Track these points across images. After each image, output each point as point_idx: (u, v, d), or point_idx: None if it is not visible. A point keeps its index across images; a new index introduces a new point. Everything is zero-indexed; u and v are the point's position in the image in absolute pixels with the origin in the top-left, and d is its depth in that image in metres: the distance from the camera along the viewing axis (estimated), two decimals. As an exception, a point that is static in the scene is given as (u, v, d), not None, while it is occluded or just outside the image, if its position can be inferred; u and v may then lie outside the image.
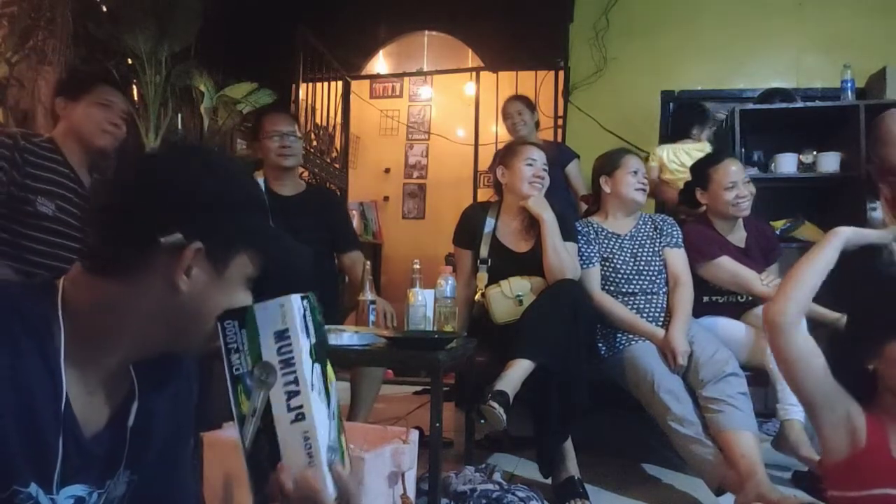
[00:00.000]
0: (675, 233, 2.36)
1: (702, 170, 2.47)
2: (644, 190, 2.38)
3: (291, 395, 0.67)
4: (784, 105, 3.24)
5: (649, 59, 4.00)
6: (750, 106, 3.31)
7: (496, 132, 4.77)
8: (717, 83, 3.87)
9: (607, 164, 2.41)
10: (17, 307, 0.66)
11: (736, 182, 2.35)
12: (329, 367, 0.72)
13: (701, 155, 2.91)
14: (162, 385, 0.80)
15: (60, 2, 3.38)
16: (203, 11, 3.66)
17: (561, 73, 4.21)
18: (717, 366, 2.00)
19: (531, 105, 3.47)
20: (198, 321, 0.72)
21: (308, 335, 0.69)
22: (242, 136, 4.08)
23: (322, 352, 0.70)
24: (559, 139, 4.11)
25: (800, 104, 3.24)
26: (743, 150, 3.22)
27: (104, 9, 3.70)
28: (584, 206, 2.70)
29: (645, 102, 3.93)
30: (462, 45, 4.88)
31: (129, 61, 3.63)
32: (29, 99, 3.25)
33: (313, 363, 0.69)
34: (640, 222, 2.40)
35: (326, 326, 1.92)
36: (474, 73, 4.96)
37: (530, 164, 2.27)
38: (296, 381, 0.67)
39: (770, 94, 3.39)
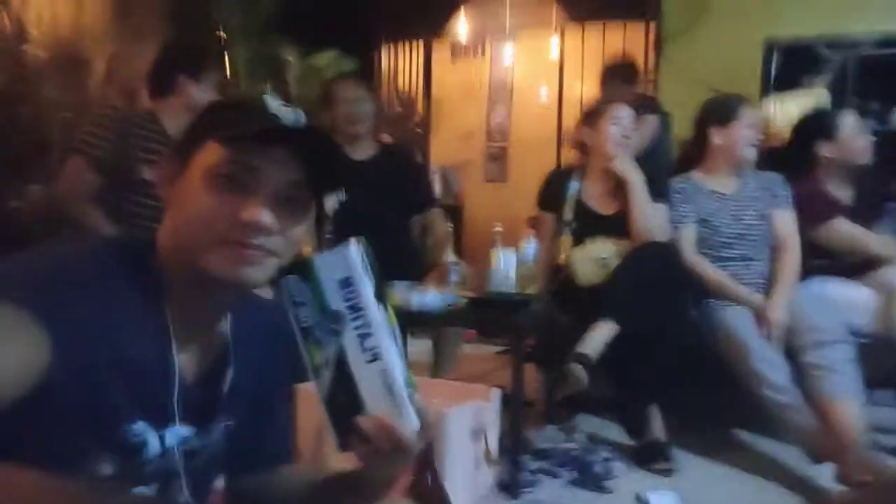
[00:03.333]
0: (784, 193, 2.18)
1: (823, 120, 2.27)
2: (757, 147, 2.19)
3: (364, 336, 0.68)
4: (890, 51, 2.91)
5: (752, 4, 3.70)
6: (868, 51, 3.00)
7: (581, 91, 4.60)
8: (831, 27, 3.53)
9: (721, 113, 2.19)
10: (120, 259, 0.70)
11: (861, 129, 2.20)
12: (390, 310, 0.72)
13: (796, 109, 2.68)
14: (256, 348, 0.82)
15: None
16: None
17: (652, 25, 3.97)
18: (822, 331, 1.88)
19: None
20: (186, 230, 0.70)
21: (370, 279, 0.69)
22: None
23: (382, 292, 0.71)
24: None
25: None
26: (858, 100, 2.94)
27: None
28: None
29: (747, 53, 3.66)
30: (546, 1, 4.70)
31: (221, 34, 3.77)
32: (132, 74, 3.46)
33: (378, 305, 0.69)
34: (746, 180, 2.22)
35: (409, 285, 1.97)
36: (559, 29, 4.79)
37: (616, 124, 2.18)
38: (367, 324, 0.68)
39: (891, 39, 3.05)
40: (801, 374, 1.85)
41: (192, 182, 0.70)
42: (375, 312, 0.68)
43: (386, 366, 0.68)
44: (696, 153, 2.29)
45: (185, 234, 0.70)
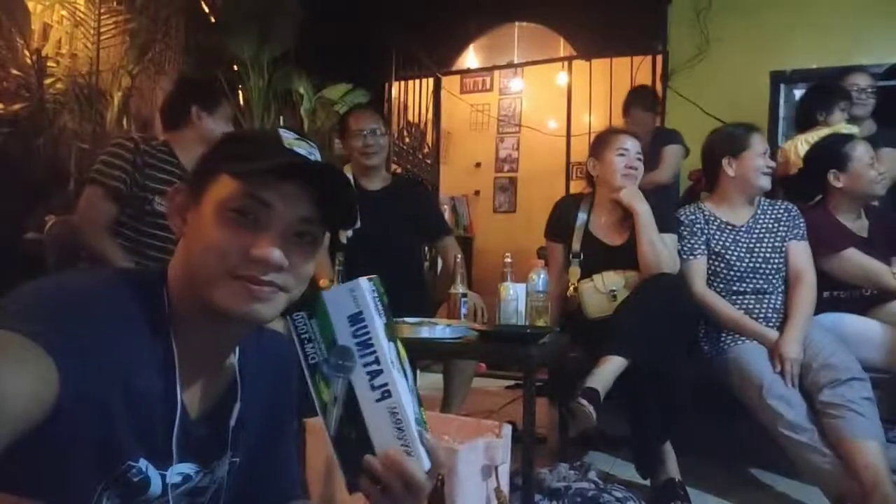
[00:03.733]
0: (800, 223, 2.14)
1: (834, 149, 2.25)
2: (770, 175, 2.15)
3: (374, 374, 0.67)
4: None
5: (757, 38, 3.74)
6: (881, 83, 3.00)
7: (589, 122, 4.64)
8: (836, 60, 3.55)
9: (733, 144, 2.15)
10: (131, 291, 0.70)
11: (873, 158, 2.16)
12: (400, 345, 0.71)
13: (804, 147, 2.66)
14: (264, 382, 0.82)
15: (175, 16, 3.64)
16: (300, 16, 3.82)
17: (659, 58, 4.02)
18: (837, 369, 1.83)
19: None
20: (196, 263, 0.70)
21: (380, 315, 0.69)
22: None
23: (392, 331, 0.70)
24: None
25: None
26: (877, 129, 2.92)
27: (212, 20, 3.95)
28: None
29: (753, 85, 3.68)
30: (553, 34, 4.78)
31: (235, 68, 3.85)
32: (148, 107, 3.53)
33: (388, 342, 0.69)
34: (759, 211, 2.18)
35: (419, 319, 1.96)
36: (566, 63, 4.85)
37: (622, 155, 2.18)
38: (377, 361, 0.67)
39: (893, 71, 3.06)
40: (817, 413, 1.81)
41: (204, 215, 0.70)
42: (386, 349, 0.67)
43: (396, 404, 0.67)
44: (707, 184, 2.28)
45: (195, 266, 0.70)
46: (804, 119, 2.83)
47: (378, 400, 0.67)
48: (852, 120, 2.77)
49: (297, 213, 0.70)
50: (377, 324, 0.68)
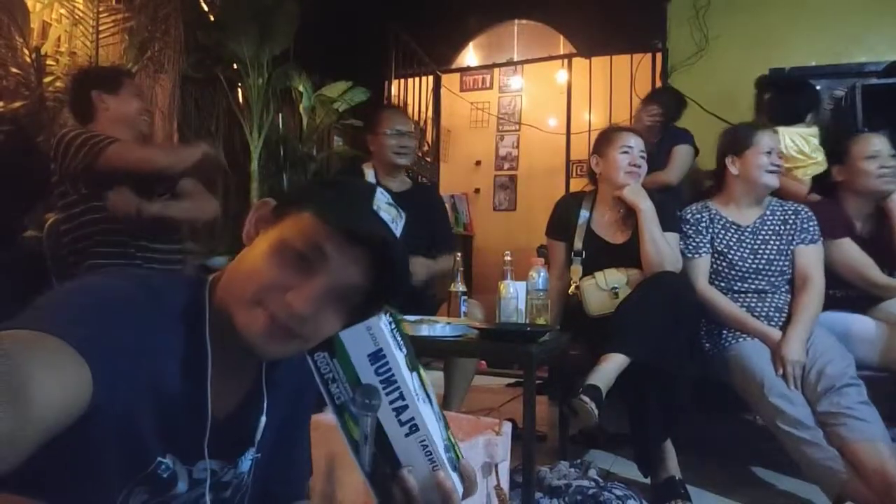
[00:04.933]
0: (810, 228, 2.10)
1: (838, 144, 2.25)
2: (777, 173, 2.11)
3: (400, 410, 0.67)
4: (891, 81, 2.91)
5: (756, 36, 3.74)
6: (873, 81, 3.01)
7: (589, 120, 4.64)
8: (834, 57, 3.55)
9: (736, 142, 2.14)
10: (170, 293, 0.72)
11: (880, 152, 2.12)
12: (422, 371, 0.72)
13: (815, 140, 2.67)
14: (288, 387, 0.83)
15: (174, 14, 3.63)
16: (300, 14, 3.81)
17: (658, 56, 4.02)
18: (832, 377, 1.82)
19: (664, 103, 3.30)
20: (240, 278, 0.72)
21: (400, 349, 0.69)
22: (339, 133, 4.23)
23: (413, 360, 0.71)
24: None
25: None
26: (865, 130, 2.93)
27: (211, 18, 3.94)
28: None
29: (751, 82, 3.68)
30: (553, 32, 4.78)
31: (234, 66, 3.85)
32: (147, 105, 3.51)
33: (411, 373, 0.69)
34: (768, 212, 2.15)
35: (419, 317, 1.96)
36: (566, 60, 4.85)
37: (626, 152, 2.18)
38: (401, 397, 0.67)
39: (891, 68, 3.06)
40: (819, 423, 1.79)
41: (269, 240, 0.72)
42: (409, 383, 0.68)
43: (424, 436, 0.67)
44: (715, 183, 2.26)
45: (237, 280, 0.72)
46: (786, 115, 2.85)
47: (407, 435, 0.68)
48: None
49: (350, 278, 0.71)
50: (398, 358, 0.68)
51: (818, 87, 3.12)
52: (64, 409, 0.55)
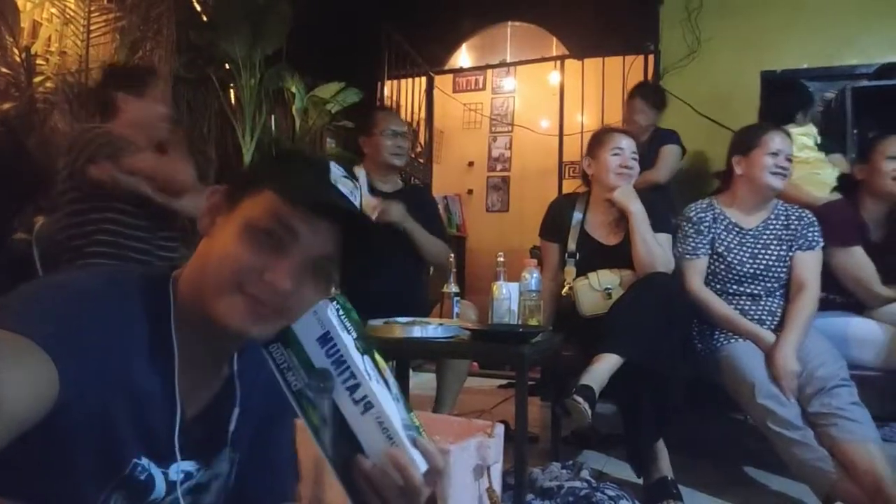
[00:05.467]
0: (810, 234, 2.07)
1: (867, 140, 2.29)
2: (783, 175, 2.06)
3: (353, 389, 0.69)
4: (888, 83, 2.93)
5: (748, 38, 3.76)
6: (864, 83, 3.03)
7: (582, 121, 4.65)
8: (826, 60, 3.57)
9: (743, 142, 2.12)
10: (134, 289, 0.71)
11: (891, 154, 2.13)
12: (378, 356, 0.73)
13: (808, 140, 2.68)
14: (261, 385, 0.82)
15: (166, 13, 3.62)
16: (292, 15, 3.81)
17: (651, 58, 4.03)
18: (823, 379, 1.83)
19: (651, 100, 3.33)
20: (210, 269, 0.71)
21: (348, 332, 0.71)
22: (332, 134, 4.21)
23: (366, 344, 0.72)
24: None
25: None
26: (856, 132, 2.95)
27: (204, 18, 3.93)
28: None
29: (744, 84, 3.70)
30: (545, 33, 4.79)
31: (227, 66, 3.83)
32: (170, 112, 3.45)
33: (362, 355, 0.71)
34: (772, 215, 2.12)
35: (410, 319, 1.96)
36: (559, 62, 4.86)
37: (617, 154, 2.18)
38: (352, 375, 0.69)
39: (887, 69, 3.08)
40: (810, 425, 1.80)
41: (233, 224, 0.72)
42: (359, 362, 0.69)
43: (379, 413, 0.68)
44: (723, 182, 2.25)
45: (208, 271, 0.71)
46: (779, 115, 2.82)
47: (363, 413, 0.69)
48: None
49: (321, 249, 0.72)
50: (346, 340, 0.70)
51: (809, 90, 3.14)
52: (31, 407, 0.55)
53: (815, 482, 1.76)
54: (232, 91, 3.94)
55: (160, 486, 0.72)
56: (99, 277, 0.71)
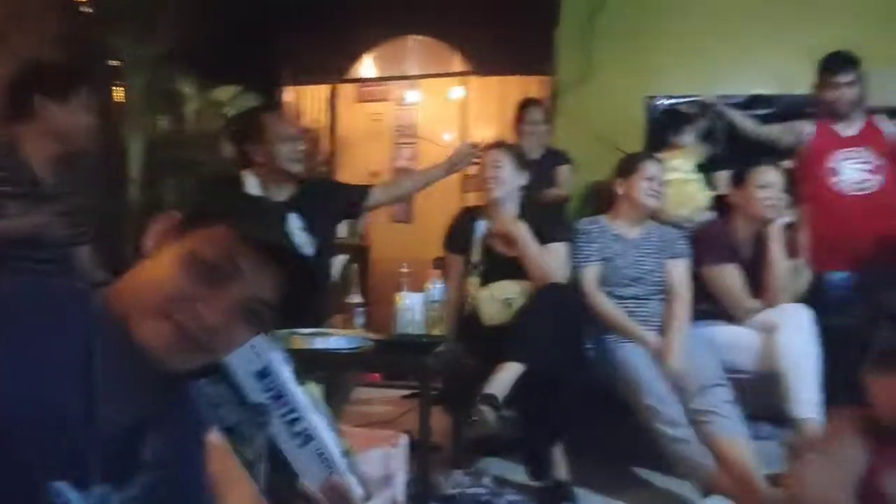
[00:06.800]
0: (679, 245, 2.37)
1: (742, 168, 2.48)
2: (657, 196, 2.36)
3: (292, 423, 0.69)
4: (765, 111, 3.26)
5: (635, 65, 4.01)
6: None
7: (484, 136, 4.77)
8: (702, 89, 3.89)
9: (624, 167, 2.41)
10: (57, 303, 0.68)
11: (772, 184, 2.34)
12: (309, 385, 0.74)
13: (683, 163, 2.93)
14: (180, 402, 0.79)
15: (38, 3, 3.33)
16: (190, 14, 3.63)
17: (548, 79, 4.22)
18: (703, 378, 2.02)
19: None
20: (143, 291, 0.70)
21: (286, 363, 0.72)
22: (230, 139, 4.04)
23: (299, 375, 0.73)
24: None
25: (779, 111, 3.26)
26: (728, 157, 3.22)
27: (87, 10, 3.65)
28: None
29: (631, 108, 3.94)
30: (449, 48, 4.88)
31: (112, 63, 3.59)
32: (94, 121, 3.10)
33: (299, 387, 0.71)
34: (649, 231, 2.39)
35: (312, 330, 1.91)
36: (462, 78, 4.96)
37: (489, 167, 2.27)
38: (293, 410, 0.69)
39: (752, 101, 3.41)
40: (690, 421, 1.96)
41: (177, 252, 0.70)
42: (299, 396, 0.70)
43: (320, 445, 0.69)
44: (608, 201, 2.49)
45: (140, 293, 0.70)
46: (659, 143, 3.13)
47: (301, 445, 0.69)
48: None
49: (261, 292, 0.71)
50: (285, 373, 0.70)
51: (690, 115, 3.41)
52: None
53: (696, 477, 1.90)
54: (118, 90, 3.68)
55: None
56: (16, 288, 0.68)
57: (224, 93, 4.01)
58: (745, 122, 2.73)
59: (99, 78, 3.52)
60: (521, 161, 2.34)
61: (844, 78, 2.67)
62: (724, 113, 2.78)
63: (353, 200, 2.51)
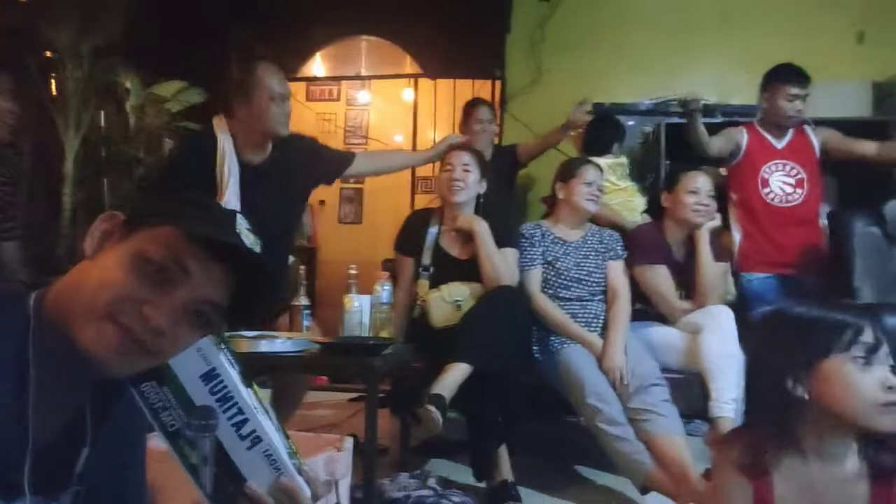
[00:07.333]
0: (617, 247, 2.44)
1: (673, 173, 2.57)
2: (595, 200, 2.42)
3: (240, 425, 0.68)
4: (706, 120, 3.39)
5: (583, 72, 4.11)
6: (675, 120, 3.45)
7: (433, 138, 4.79)
8: (647, 97, 4.02)
9: (564, 172, 2.46)
10: None
11: (700, 189, 2.43)
12: (256, 388, 0.73)
13: (618, 170, 3.04)
14: (115, 413, 0.78)
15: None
16: (133, 7, 3.51)
17: (498, 83, 4.27)
18: (642, 377, 2.09)
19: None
20: (85, 293, 0.67)
21: (233, 366, 0.71)
22: (171, 135, 3.92)
23: (246, 377, 0.72)
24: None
25: (719, 119, 3.38)
26: (668, 163, 3.34)
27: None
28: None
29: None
30: (401, 50, 4.88)
31: (48, 54, 3.43)
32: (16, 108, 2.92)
33: (246, 388, 0.70)
34: (589, 234, 2.45)
35: (257, 333, 1.88)
36: (413, 80, 4.97)
37: (449, 169, 2.31)
38: (240, 412, 0.68)
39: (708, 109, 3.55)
40: (629, 420, 2.03)
41: (121, 253, 0.68)
42: (247, 398, 0.69)
43: (268, 446, 0.69)
44: (549, 206, 2.55)
45: (82, 295, 0.67)
46: (598, 146, 3.20)
47: (249, 448, 0.68)
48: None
49: (209, 294, 0.70)
50: (232, 375, 0.69)
51: (631, 123, 3.52)
52: None
53: (634, 474, 1.97)
54: (54, 82, 3.52)
55: None
56: None
57: (167, 88, 3.89)
58: (703, 129, 2.80)
59: (32, 69, 3.37)
60: (485, 168, 2.39)
61: (799, 90, 2.72)
62: (697, 115, 2.81)
63: (335, 165, 2.48)
